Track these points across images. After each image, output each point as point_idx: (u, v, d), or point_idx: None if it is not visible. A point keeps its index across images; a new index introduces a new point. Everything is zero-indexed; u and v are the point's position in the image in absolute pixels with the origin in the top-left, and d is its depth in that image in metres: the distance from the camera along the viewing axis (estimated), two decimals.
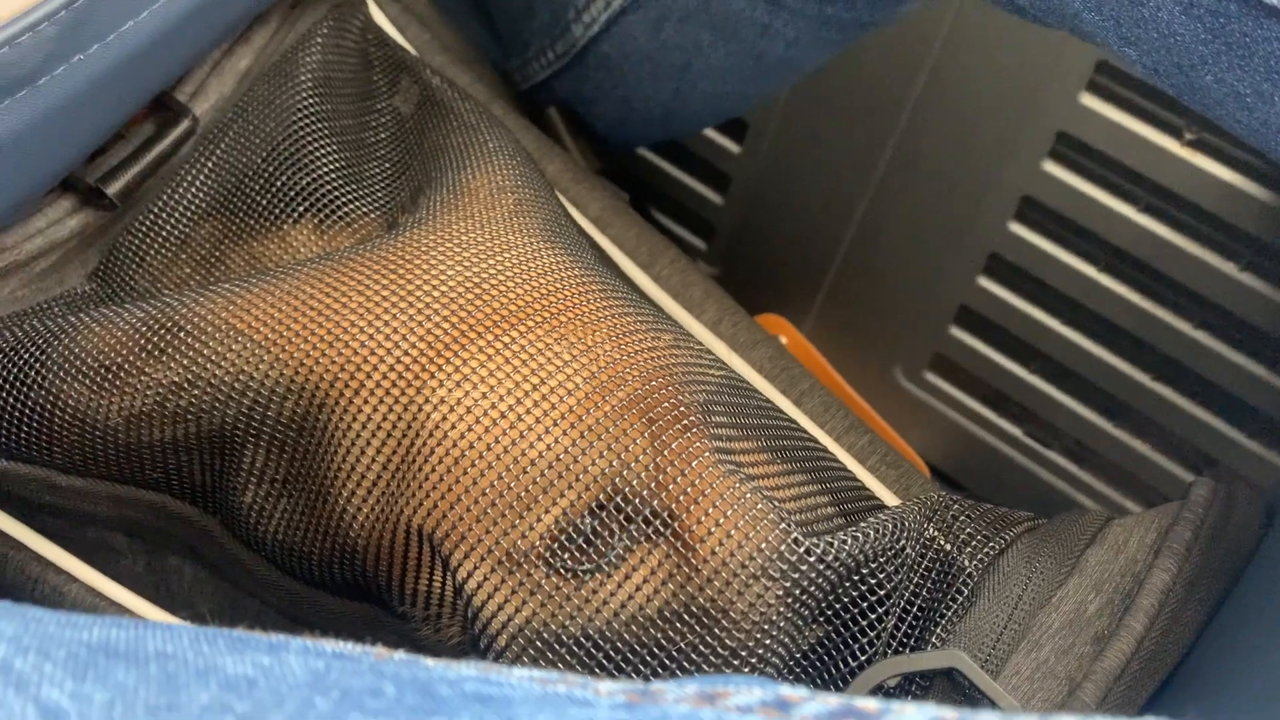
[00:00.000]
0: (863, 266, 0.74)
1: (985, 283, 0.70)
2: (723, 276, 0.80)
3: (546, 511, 0.34)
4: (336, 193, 0.45)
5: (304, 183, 0.45)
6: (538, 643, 0.34)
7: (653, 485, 0.34)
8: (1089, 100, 0.62)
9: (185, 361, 0.37)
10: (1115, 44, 0.38)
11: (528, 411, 0.34)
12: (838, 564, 0.33)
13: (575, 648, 0.34)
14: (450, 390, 0.34)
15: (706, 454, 0.34)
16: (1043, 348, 0.70)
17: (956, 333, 0.72)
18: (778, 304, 0.78)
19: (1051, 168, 0.64)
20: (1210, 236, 0.62)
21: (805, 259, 0.76)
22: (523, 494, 0.33)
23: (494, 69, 0.61)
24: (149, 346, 0.37)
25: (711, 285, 0.48)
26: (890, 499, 0.44)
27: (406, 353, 0.35)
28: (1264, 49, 0.33)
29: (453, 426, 0.34)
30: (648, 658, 0.34)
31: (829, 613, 0.35)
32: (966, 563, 0.36)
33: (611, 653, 0.34)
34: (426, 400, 0.35)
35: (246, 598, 0.42)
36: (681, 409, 0.35)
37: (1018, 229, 0.67)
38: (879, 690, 0.34)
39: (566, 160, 0.52)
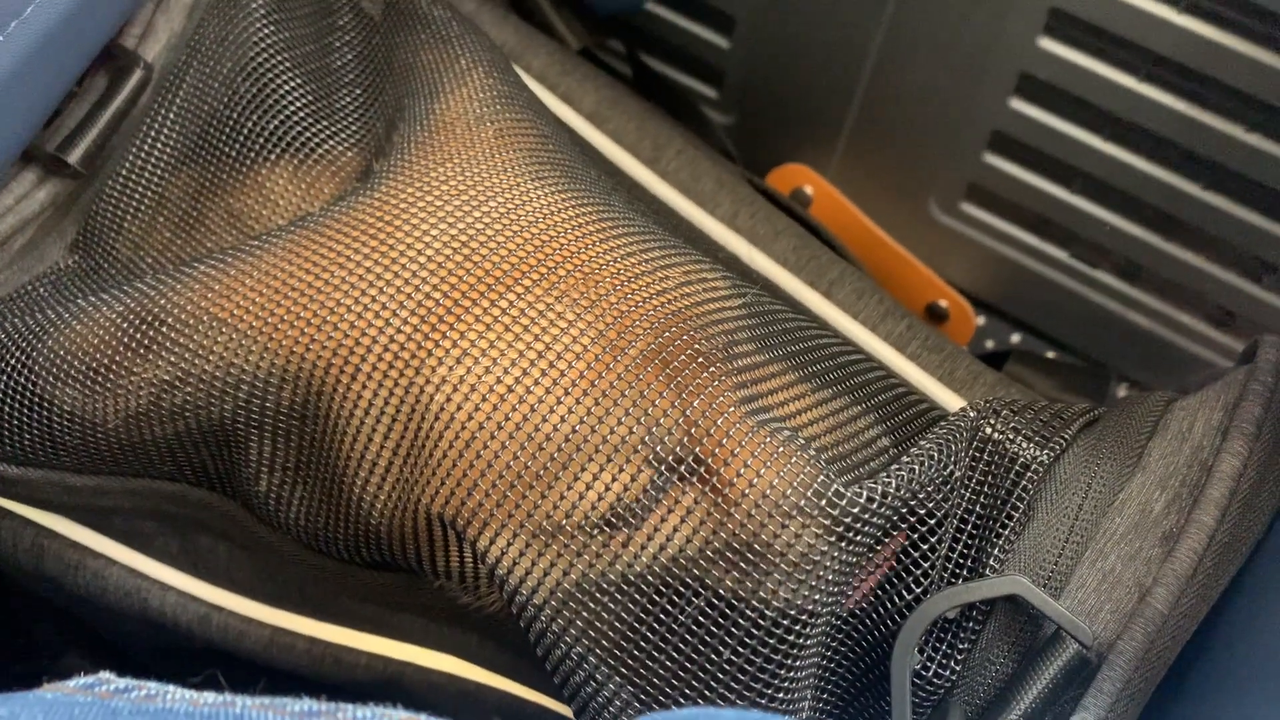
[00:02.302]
0: (885, 100, 0.70)
1: (1018, 104, 0.65)
2: (737, 125, 0.76)
3: (571, 484, 0.32)
4: (308, 132, 0.41)
5: (272, 126, 0.41)
6: (578, 595, 0.33)
7: (684, 443, 0.32)
8: None
9: (173, 358, 0.35)
10: None
11: (535, 383, 0.32)
12: (883, 508, 0.31)
13: (618, 594, 0.33)
14: (450, 368, 0.32)
15: (732, 408, 0.32)
16: (1084, 166, 0.65)
17: (991, 159, 0.68)
18: (799, 149, 0.74)
19: None
20: (1258, 30, 0.57)
21: (823, 98, 0.72)
22: (541, 471, 0.32)
23: None
24: (133, 344, 0.35)
25: (723, 174, 0.45)
26: (934, 387, 0.42)
27: (400, 330, 0.33)
28: None
29: (458, 408, 0.32)
30: (693, 598, 0.33)
31: (879, 548, 0.33)
32: (1021, 474, 0.34)
33: (656, 595, 0.33)
34: (427, 380, 0.32)
35: (288, 565, 0.41)
36: (701, 359, 0.32)
37: (1048, 44, 0.62)
38: (938, 622, 0.32)
39: (553, 50, 0.48)
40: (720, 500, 0.32)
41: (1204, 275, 0.65)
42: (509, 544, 0.32)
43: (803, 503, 0.31)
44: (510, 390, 0.32)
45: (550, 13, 0.55)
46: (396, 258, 0.34)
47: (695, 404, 0.32)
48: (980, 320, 0.74)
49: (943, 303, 0.65)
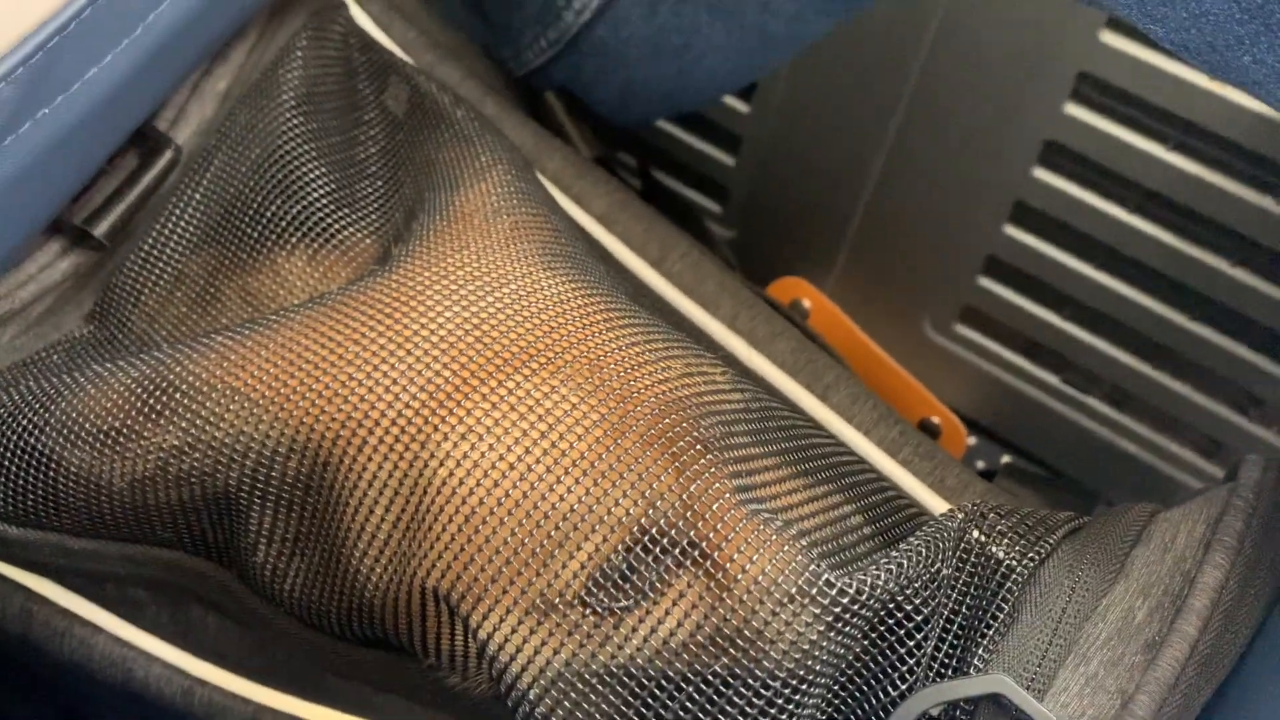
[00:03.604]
0: (884, 221, 0.72)
1: (1012, 231, 0.67)
2: (739, 239, 0.78)
3: (568, 561, 0.32)
4: (329, 219, 0.43)
5: (294, 211, 0.43)
6: (567, 676, 0.33)
7: (682, 522, 0.32)
8: (1109, 38, 0.59)
9: (184, 425, 0.36)
10: (1139, 20, 0.35)
11: (537, 461, 0.33)
12: (872, 599, 0.32)
13: (605, 680, 0.33)
14: (455, 444, 0.33)
15: (728, 494, 0.33)
16: (1075, 293, 0.67)
17: (985, 283, 0.70)
18: (798, 265, 0.76)
19: (1074, 110, 0.62)
20: (1243, 170, 0.59)
21: (824, 217, 0.74)
22: (539, 548, 0.32)
23: (487, 59, 0.59)
24: (145, 410, 0.36)
25: (726, 278, 0.47)
26: (924, 494, 0.43)
27: (408, 405, 0.34)
28: None
29: (460, 483, 0.33)
30: (682, 684, 0.33)
31: (865, 642, 0.33)
32: (1006, 576, 0.35)
33: (644, 681, 0.33)
34: (432, 455, 0.33)
35: (277, 640, 0.41)
36: (699, 445, 0.33)
37: (1042, 175, 0.64)
38: (923, 719, 0.33)
39: (567, 154, 0.50)
40: (714, 585, 0.33)
41: (1192, 405, 0.66)
42: (501, 620, 0.33)
43: (795, 590, 0.32)
44: (512, 467, 0.33)
45: (566, 121, 0.58)
46: (410, 336, 0.35)
47: (693, 488, 0.33)
48: (971, 440, 0.75)
49: (935, 419, 0.66)
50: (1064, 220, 0.65)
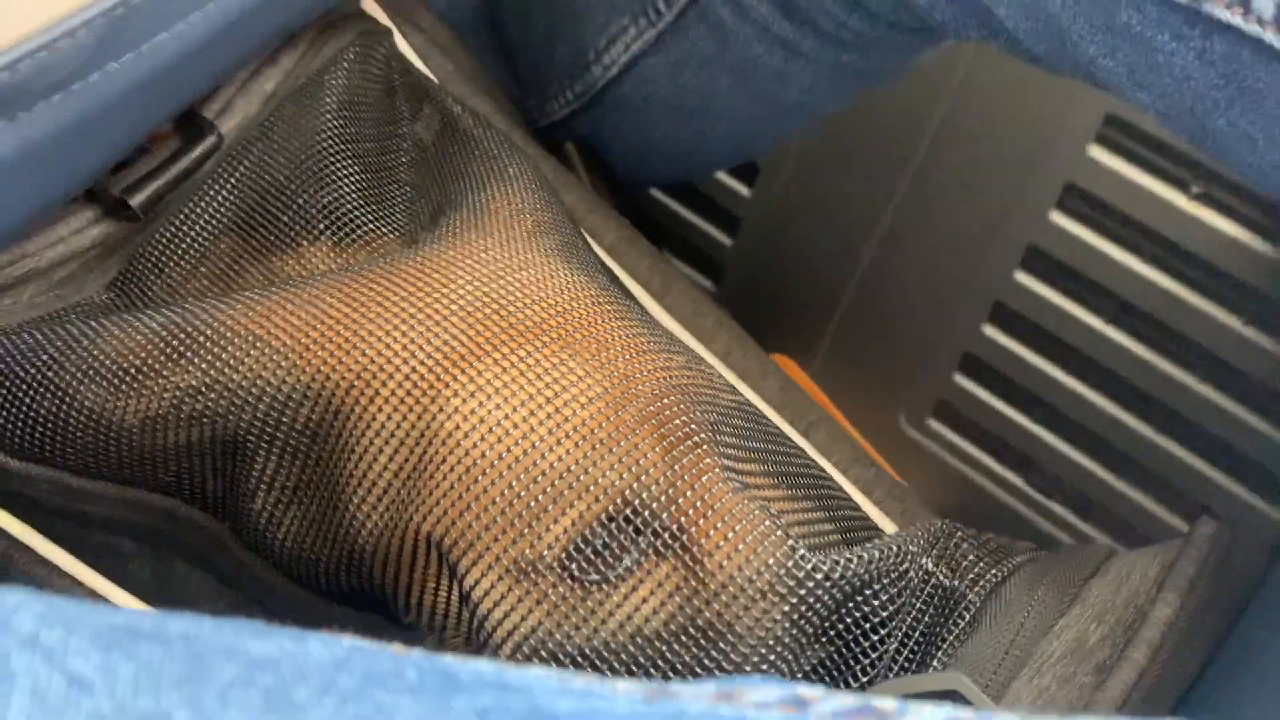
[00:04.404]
0: (869, 311, 0.75)
1: (990, 331, 0.70)
2: (731, 317, 0.81)
3: (556, 521, 0.34)
4: (356, 212, 0.45)
5: (325, 201, 0.45)
6: (541, 653, 0.34)
7: (664, 498, 0.34)
8: (1097, 152, 0.63)
9: (204, 366, 0.37)
10: (1129, 89, 0.39)
11: (540, 423, 0.35)
12: (843, 581, 0.34)
13: (578, 660, 0.35)
14: (464, 400, 0.35)
15: (716, 469, 0.34)
16: (1047, 397, 0.70)
17: (961, 380, 0.73)
18: (784, 345, 0.78)
19: (1059, 218, 0.65)
20: (1215, 290, 0.63)
21: (812, 302, 0.77)
22: (532, 503, 0.34)
23: (514, 102, 0.62)
24: (169, 351, 0.38)
25: (723, 316, 0.49)
26: (893, 531, 0.45)
27: (423, 362, 0.36)
28: (1275, 94, 0.34)
29: (465, 436, 0.34)
30: (650, 672, 0.34)
31: (831, 633, 0.35)
32: (969, 589, 0.37)
33: (615, 666, 0.34)
34: (441, 409, 0.35)
35: (253, 605, 0.42)
36: (692, 426, 0.35)
37: (1024, 278, 0.68)
38: None
39: (583, 191, 0.53)
40: (696, 570, 0.34)
41: (1150, 516, 0.69)
42: (486, 573, 0.34)
43: (775, 582, 0.34)
44: (516, 426, 0.34)
45: (582, 171, 0.61)
46: (431, 302, 0.37)
47: (678, 466, 0.34)
48: None
49: None
50: (1041, 324, 0.68)
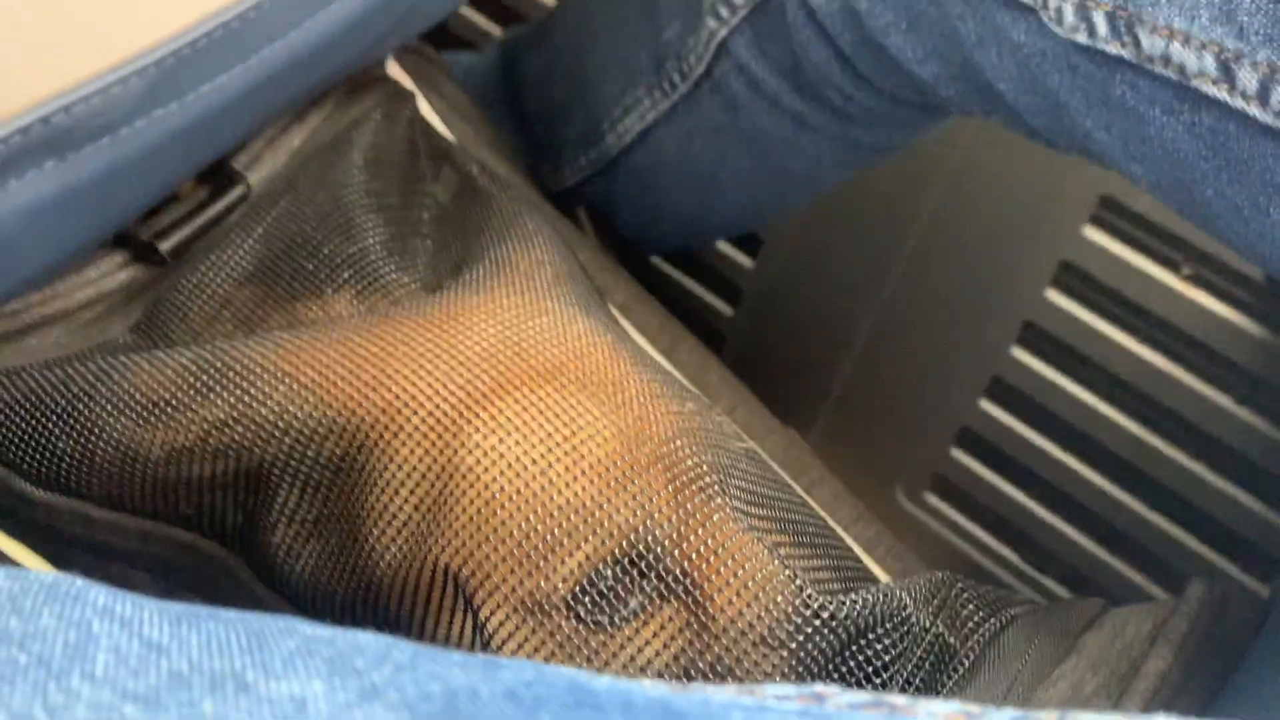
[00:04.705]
0: (868, 384, 0.77)
1: (987, 406, 0.72)
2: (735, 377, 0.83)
3: (569, 556, 0.35)
4: (380, 263, 0.47)
5: (350, 251, 0.47)
6: None
7: (674, 537, 0.35)
8: (1091, 232, 0.65)
9: (232, 400, 0.39)
10: (1123, 162, 0.41)
11: (558, 460, 0.36)
12: (848, 622, 0.35)
13: None
14: (485, 437, 0.36)
15: (725, 510, 0.36)
16: (1041, 473, 0.71)
17: (957, 454, 0.74)
18: (783, 416, 0.80)
19: (1054, 296, 0.67)
20: (1207, 370, 0.64)
21: (811, 374, 0.78)
22: (548, 537, 0.35)
23: (528, 168, 0.64)
24: (198, 385, 0.39)
25: (728, 373, 0.51)
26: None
27: (446, 400, 0.37)
28: (1260, 164, 0.36)
29: (485, 471, 0.36)
30: None
31: (834, 676, 0.36)
32: (968, 638, 0.38)
33: None
34: (462, 445, 0.36)
35: None
36: (703, 468, 0.37)
37: (1020, 354, 0.69)
38: None
39: (594, 250, 0.55)
40: (700, 613, 0.35)
41: (1141, 592, 0.69)
42: (501, 606, 0.35)
43: (776, 628, 0.34)
44: (534, 463, 0.36)
45: (591, 237, 0.63)
46: (455, 343, 0.39)
47: (689, 506, 0.36)
48: None
49: None
50: (1036, 400, 0.70)
